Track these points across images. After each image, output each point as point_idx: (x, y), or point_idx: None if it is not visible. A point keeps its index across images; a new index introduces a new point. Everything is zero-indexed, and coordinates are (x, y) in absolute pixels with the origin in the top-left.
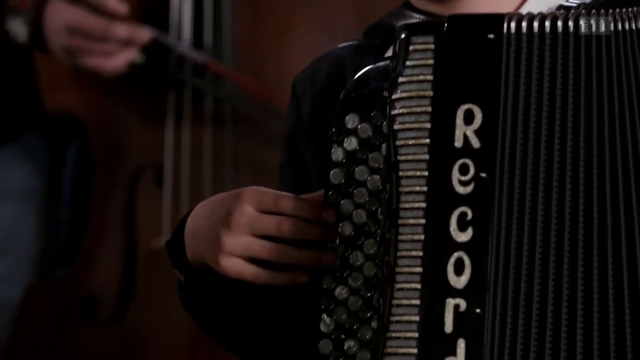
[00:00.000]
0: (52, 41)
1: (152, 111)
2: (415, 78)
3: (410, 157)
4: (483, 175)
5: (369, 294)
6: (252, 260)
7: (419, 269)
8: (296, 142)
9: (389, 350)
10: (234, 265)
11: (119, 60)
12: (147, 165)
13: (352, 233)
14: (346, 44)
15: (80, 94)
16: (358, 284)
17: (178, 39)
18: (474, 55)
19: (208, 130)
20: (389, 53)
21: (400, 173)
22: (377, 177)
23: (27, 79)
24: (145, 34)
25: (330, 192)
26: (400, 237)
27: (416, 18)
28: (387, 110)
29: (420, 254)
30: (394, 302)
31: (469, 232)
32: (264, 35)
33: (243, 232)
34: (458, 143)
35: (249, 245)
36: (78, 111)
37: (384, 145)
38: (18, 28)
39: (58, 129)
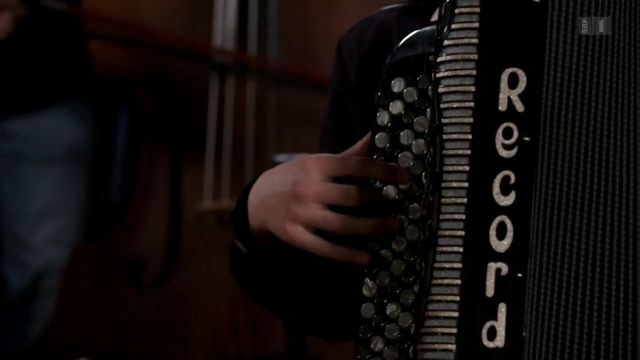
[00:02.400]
0: None
1: (197, 76)
2: (460, 41)
3: (454, 120)
4: (526, 139)
5: (412, 259)
6: (319, 230)
7: (461, 232)
8: (342, 103)
9: (430, 313)
10: (298, 233)
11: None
12: (194, 130)
13: (396, 197)
14: (392, 6)
15: (128, 57)
16: (401, 248)
17: (224, 9)
18: (519, 18)
19: (251, 96)
20: (435, 17)
21: (444, 136)
22: (422, 141)
23: (77, 40)
24: None
25: (375, 156)
26: (443, 200)
27: None
28: (432, 73)
29: (463, 217)
30: (436, 265)
31: (512, 196)
32: (312, 1)
33: (310, 201)
34: (502, 106)
35: (313, 217)
36: (126, 73)
37: (429, 110)
38: None
39: (107, 92)
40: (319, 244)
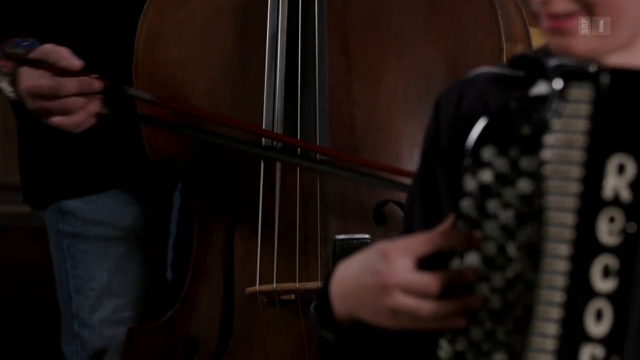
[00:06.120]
0: (27, 104)
1: (248, 158)
2: (570, 127)
3: (558, 205)
4: (632, 228)
5: (492, 327)
6: None
7: (558, 315)
8: (431, 162)
9: None
10: (390, 322)
11: (79, 116)
12: (245, 212)
13: (480, 264)
14: (491, 71)
15: (178, 141)
16: (482, 315)
17: (273, 91)
18: (633, 110)
19: (298, 182)
20: (535, 90)
21: (546, 219)
22: (510, 213)
23: (132, 126)
24: (95, 84)
25: (459, 221)
26: (542, 282)
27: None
28: (530, 150)
29: (560, 300)
30: (529, 344)
31: (613, 283)
32: (356, 85)
33: (395, 290)
34: (608, 194)
35: (399, 307)
36: (177, 159)
37: (519, 182)
38: (6, 88)
39: (163, 172)
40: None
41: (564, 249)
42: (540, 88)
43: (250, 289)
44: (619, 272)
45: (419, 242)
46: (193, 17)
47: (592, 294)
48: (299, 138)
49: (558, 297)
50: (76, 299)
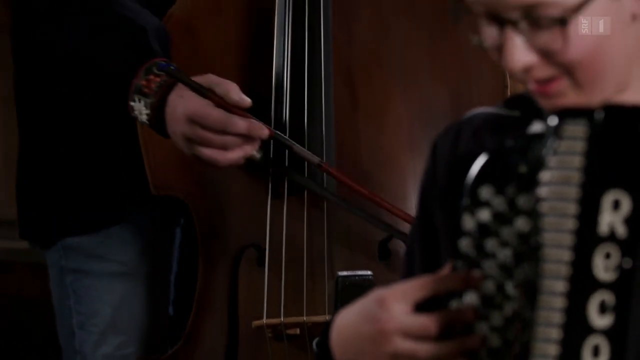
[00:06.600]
0: (172, 127)
1: (253, 191)
2: (565, 164)
3: (554, 242)
4: (627, 264)
5: None
6: None
7: (555, 352)
8: (427, 202)
9: None
10: None
11: (235, 154)
12: (249, 245)
13: (479, 303)
14: (487, 111)
15: (184, 177)
16: (481, 354)
17: (280, 128)
18: (627, 146)
19: (306, 211)
20: (531, 129)
21: (543, 256)
22: (509, 251)
23: (135, 160)
24: (264, 130)
25: (457, 261)
26: (539, 319)
27: None
28: (527, 188)
29: (557, 336)
30: None
31: (610, 319)
32: (361, 119)
33: (394, 335)
34: (604, 230)
35: (400, 351)
36: (182, 193)
37: (517, 220)
38: (141, 109)
39: (166, 208)
40: None
41: (561, 286)
42: (536, 127)
43: (257, 322)
44: (616, 307)
45: (414, 288)
46: (198, 55)
47: (589, 330)
48: (305, 173)
49: (555, 333)
50: (79, 335)
